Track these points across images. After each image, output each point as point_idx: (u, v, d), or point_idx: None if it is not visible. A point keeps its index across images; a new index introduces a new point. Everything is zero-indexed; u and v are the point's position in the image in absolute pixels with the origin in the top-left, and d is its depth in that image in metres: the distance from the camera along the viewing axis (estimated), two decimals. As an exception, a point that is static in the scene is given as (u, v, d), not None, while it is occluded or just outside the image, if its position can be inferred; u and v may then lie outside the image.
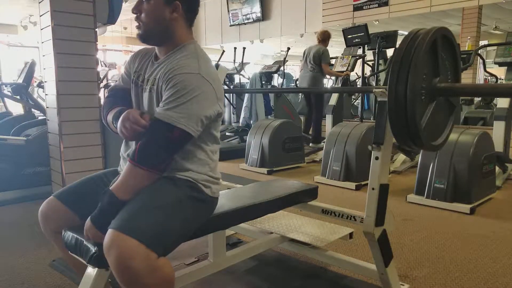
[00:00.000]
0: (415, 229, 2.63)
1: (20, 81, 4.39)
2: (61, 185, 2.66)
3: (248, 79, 6.41)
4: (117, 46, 12.28)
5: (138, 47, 1.46)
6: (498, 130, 3.80)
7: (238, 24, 8.62)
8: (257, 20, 8.16)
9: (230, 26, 8.81)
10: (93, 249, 1.13)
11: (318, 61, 5.17)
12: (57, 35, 2.56)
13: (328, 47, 5.32)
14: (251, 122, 5.78)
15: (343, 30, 4.92)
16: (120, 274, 1.03)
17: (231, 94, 6.55)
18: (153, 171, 1.17)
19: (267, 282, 1.90)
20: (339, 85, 5.19)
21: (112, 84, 2.77)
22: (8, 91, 4.57)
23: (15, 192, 3.21)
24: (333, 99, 5.16)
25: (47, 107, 2.86)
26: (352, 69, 5.00)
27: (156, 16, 1.25)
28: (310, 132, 5.64)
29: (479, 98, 5.75)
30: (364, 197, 1.54)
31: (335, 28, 6.47)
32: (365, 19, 6.08)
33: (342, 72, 4.96)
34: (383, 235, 1.57)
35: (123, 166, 1.29)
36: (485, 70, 4.93)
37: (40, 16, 2.71)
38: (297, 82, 6.34)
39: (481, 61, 4.74)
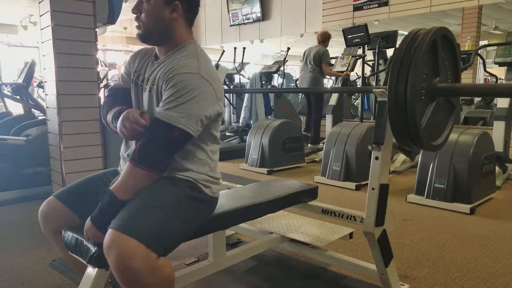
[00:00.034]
0: (415, 229, 2.63)
1: (20, 81, 4.39)
2: (61, 185, 2.66)
3: (248, 79, 6.41)
4: (117, 46, 12.28)
5: (138, 47, 1.46)
6: (498, 130, 3.80)
7: (238, 24, 8.62)
8: (257, 20, 8.16)
9: (230, 26, 8.81)
10: (93, 249, 1.13)
11: (318, 62, 5.17)
12: (57, 35, 2.56)
13: (328, 47, 5.33)
14: (251, 122, 5.78)
15: (343, 30, 4.92)
16: (120, 274, 1.03)
17: (231, 94, 6.55)
18: (153, 171, 1.17)
19: (267, 282, 1.90)
20: (339, 85, 5.19)
21: (112, 84, 2.76)
22: (8, 91, 4.57)
23: (15, 192, 3.21)
24: (333, 99, 5.16)
25: (47, 107, 2.86)
26: (352, 69, 5.00)
27: (156, 16, 1.25)
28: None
29: (479, 98, 5.75)
30: (364, 197, 1.54)
31: (335, 28, 6.48)
32: (365, 19, 6.08)
33: (342, 72, 4.96)
34: (383, 235, 1.57)
35: (123, 166, 1.29)
36: (485, 70, 4.93)
37: (40, 16, 2.71)
38: (297, 82, 6.34)
39: (481, 61, 4.74)
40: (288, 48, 6.21)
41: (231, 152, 5.26)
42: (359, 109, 5.56)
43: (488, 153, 3.21)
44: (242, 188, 1.90)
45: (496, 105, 4.66)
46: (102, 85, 4.73)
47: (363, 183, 3.66)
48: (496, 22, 6.67)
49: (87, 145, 2.72)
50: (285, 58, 6.07)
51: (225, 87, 5.95)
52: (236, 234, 2.36)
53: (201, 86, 1.19)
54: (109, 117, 1.32)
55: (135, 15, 1.28)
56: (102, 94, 3.19)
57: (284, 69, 6.21)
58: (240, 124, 6.00)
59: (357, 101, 6.71)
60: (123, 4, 3.49)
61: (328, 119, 5.05)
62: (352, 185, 3.69)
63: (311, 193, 1.82)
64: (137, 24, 1.28)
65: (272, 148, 4.40)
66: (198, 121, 1.18)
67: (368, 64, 5.71)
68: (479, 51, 4.54)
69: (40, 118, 4.22)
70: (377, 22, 6.15)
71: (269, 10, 8.00)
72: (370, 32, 4.69)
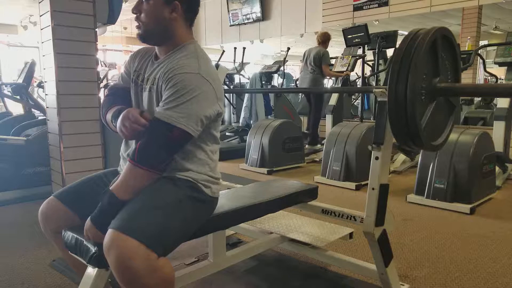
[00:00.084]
0: (415, 229, 2.63)
1: (20, 81, 4.39)
2: (61, 185, 2.66)
3: (248, 79, 6.41)
4: (117, 46, 12.29)
5: (138, 47, 1.46)
6: (498, 130, 3.80)
7: (238, 24, 8.62)
8: (257, 20, 8.16)
9: (230, 26, 8.81)
10: (93, 249, 1.13)
11: (319, 62, 5.17)
12: (57, 35, 2.56)
13: (328, 48, 5.33)
14: (251, 122, 5.78)
15: (343, 30, 4.92)
16: (120, 274, 1.03)
17: (231, 94, 6.55)
18: (153, 171, 1.17)
19: (267, 282, 1.90)
20: (339, 85, 5.19)
21: (112, 84, 2.77)
22: (8, 91, 4.57)
23: (15, 192, 3.21)
24: (333, 99, 5.16)
25: (47, 107, 2.86)
26: (352, 69, 5.00)
27: (156, 16, 1.25)
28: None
29: (479, 98, 5.75)
30: (364, 197, 1.54)
31: (335, 28, 6.48)
32: (365, 19, 6.08)
33: (342, 72, 4.96)
34: (383, 235, 1.57)
35: (123, 166, 1.29)
36: (485, 70, 4.93)
37: (40, 16, 2.71)
38: (297, 83, 6.33)
39: (481, 61, 4.74)
40: (288, 48, 6.21)
41: (231, 152, 5.26)
42: (359, 109, 5.56)
43: (488, 153, 3.21)
44: (242, 188, 1.90)
45: (496, 105, 4.66)
46: (102, 85, 4.73)
47: (363, 183, 3.66)
48: (496, 22, 6.68)
49: (87, 145, 2.72)
50: (285, 58, 6.06)
51: (225, 87, 5.95)
52: (236, 234, 2.36)
53: (201, 86, 1.19)
54: (109, 116, 1.32)
55: (135, 15, 1.28)
56: (102, 94, 3.18)
57: (284, 69, 6.21)
58: (240, 124, 6.00)
59: (357, 101, 6.71)
60: (123, 4, 3.50)
61: (328, 119, 5.05)
62: (352, 185, 3.69)
63: (311, 193, 1.82)
64: (137, 24, 1.29)
65: (272, 148, 4.40)
66: (198, 121, 1.18)
67: (368, 64, 5.71)
68: (479, 51, 4.53)
69: (40, 118, 4.22)
70: (377, 22, 6.15)
71: (269, 10, 8.00)
72: (370, 32, 4.69)
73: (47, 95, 2.83)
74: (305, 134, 5.40)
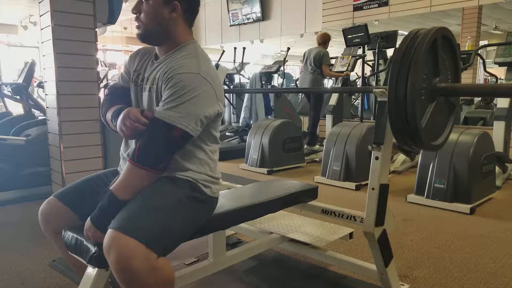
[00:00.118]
0: (415, 229, 2.63)
1: (20, 81, 4.39)
2: (61, 185, 2.66)
3: (248, 79, 6.41)
4: (117, 46, 12.28)
5: (138, 47, 1.46)
6: (498, 130, 3.80)
7: (238, 24, 8.62)
8: (257, 20, 8.16)
9: (230, 26, 8.81)
10: (93, 249, 1.13)
11: (319, 63, 5.17)
12: (57, 35, 2.56)
13: (328, 48, 5.33)
14: (251, 122, 5.78)
15: (343, 30, 4.92)
16: (120, 274, 1.02)
17: (231, 94, 6.55)
18: (152, 171, 1.17)
19: (267, 282, 1.90)
20: (339, 85, 5.19)
21: (112, 84, 2.77)
22: (8, 91, 4.57)
23: (15, 192, 3.21)
24: (333, 99, 5.16)
25: (47, 107, 2.86)
26: (352, 69, 5.00)
27: (155, 16, 1.25)
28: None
29: (479, 98, 5.75)
30: (364, 197, 1.54)
31: (335, 28, 6.48)
32: (365, 19, 6.09)
33: (342, 72, 4.96)
34: (383, 235, 1.57)
35: (123, 166, 1.29)
36: (485, 70, 4.93)
37: (40, 16, 2.71)
38: (297, 83, 6.33)
39: (481, 61, 4.74)
40: (288, 48, 6.21)
41: (231, 152, 5.26)
42: (359, 109, 5.56)
43: (488, 153, 3.21)
44: (242, 188, 1.90)
45: (496, 105, 4.66)
46: (102, 85, 4.73)
47: (363, 183, 3.66)
48: (496, 22, 6.68)
49: (87, 145, 2.72)
50: (285, 58, 6.07)
51: (225, 87, 5.95)
52: (236, 234, 2.36)
53: (201, 86, 1.19)
54: (109, 115, 1.32)
55: (135, 15, 1.28)
56: (102, 94, 3.18)
57: (284, 69, 6.21)
58: (240, 124, 6.00)
59: (357, 101, 6.71)
60: (123, 4, 3.49)
61: (328, 119, 5.05)
62: (352, 185, 3.69)
63: (311, 193, 1.82)
64: (137, 24, 1.29)
65: (272, 148, 4.40)
66: (198, 121, 1.18)
67: (368, 64, 5.71)
68: (479, 51, 4.54)
69: (40, 118, 4.22)
70: (377, 22, 6.15)
71: (269, 10, 8.00)
72: (370, 32, 4.69)
73: (47, 95, 2.83)
74: (306, 134, 5.41)
